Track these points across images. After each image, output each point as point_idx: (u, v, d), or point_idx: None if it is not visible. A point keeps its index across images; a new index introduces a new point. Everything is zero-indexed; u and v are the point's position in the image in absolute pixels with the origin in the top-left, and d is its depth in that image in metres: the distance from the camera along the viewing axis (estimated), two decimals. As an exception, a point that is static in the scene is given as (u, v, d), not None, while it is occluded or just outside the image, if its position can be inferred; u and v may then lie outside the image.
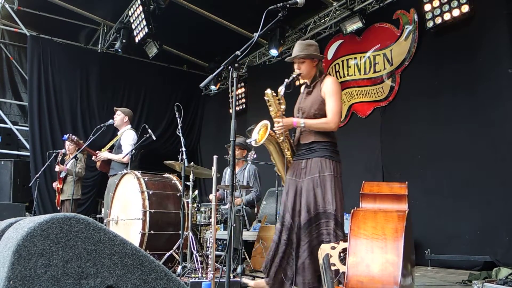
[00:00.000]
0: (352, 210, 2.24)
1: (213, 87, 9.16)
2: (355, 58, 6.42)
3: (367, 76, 6.21)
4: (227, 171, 5.42)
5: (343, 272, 2.03)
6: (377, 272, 1.93)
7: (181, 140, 4.00)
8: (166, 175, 4.71)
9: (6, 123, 8.18)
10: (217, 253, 5.14)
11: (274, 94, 3.12)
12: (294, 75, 3.17)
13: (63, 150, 6.09)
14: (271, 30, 6.61)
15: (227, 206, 5.06)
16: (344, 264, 2.04)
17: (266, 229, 4.98)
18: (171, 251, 4.09)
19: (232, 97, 2.50)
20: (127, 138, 5.14)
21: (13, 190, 7.29)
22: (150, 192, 4.24)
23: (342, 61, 6.60)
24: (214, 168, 3.19)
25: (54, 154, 6.09)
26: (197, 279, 3.36)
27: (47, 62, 7.94)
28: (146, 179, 4.33)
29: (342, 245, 2.25)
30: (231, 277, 2.87)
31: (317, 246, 2.82)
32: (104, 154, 5.23)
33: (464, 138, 4.88)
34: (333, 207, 2.92)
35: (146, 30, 6.92)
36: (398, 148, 5.66)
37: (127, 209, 4.37)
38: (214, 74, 2.68)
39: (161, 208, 4.27)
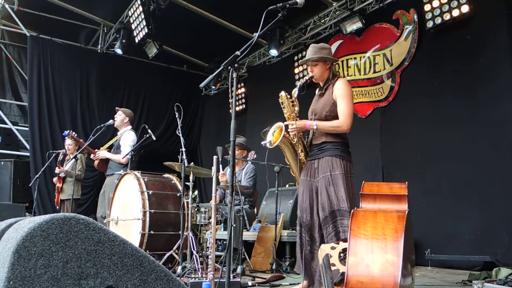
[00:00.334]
0: (352, 210, 2.24)
1: (213, 87, 9.16)
2: (355, 58, 6.43)
3: (367, 76, 6.21)
4: (227, 171, 5.42)
5: (343, 272, 2.03)
6: (377, 272, 1.93)
7: (181, 140, 4.01)
8: (166, 175, 4.71)
9: (6, 124, 8.18)
10: (217, 253, 5.14)
11: (288, 96, 3.19)
12: (307, 78, 3.25)
13: (63, 150, 6.09)
14: (271, 30, 6.61)
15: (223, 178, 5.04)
16: (344, 264, 2.04)
17: (266, 229, 4.98)
18: (171, 251, 4.09)
19: (232, 97, 2.50)
20: (127, 139, 5.14)
21: (13, 191, 7.28)
22: (150, 192, 4.24)
23: (342, 61, 6.60)
24: (214, 168, 3.20)
25: (54, 155, 6.10)
26: (197, 279, 3.36)
27: (47, 62, 7.93)
28: (146, 179, 4.33)
29: (342, 245, 2.26)
30: (231, 277, 2.87)
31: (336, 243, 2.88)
32: (102, 153, 5.24)
33: (464, 138, 4.87)
34: (347, 205, 2.98)
35: (146, 30, 6.91)
36: (398, 148, 5.66)
37: (127, 209, 4.37)
38: (214, 74, 2.69)
39: (161, 208, 4.27)
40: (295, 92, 3.18)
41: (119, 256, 1.42)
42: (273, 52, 7.12)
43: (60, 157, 5.96)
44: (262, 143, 3.26)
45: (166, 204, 4.35)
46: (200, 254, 3.91)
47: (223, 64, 2.54)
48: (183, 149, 3.93)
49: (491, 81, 4.70)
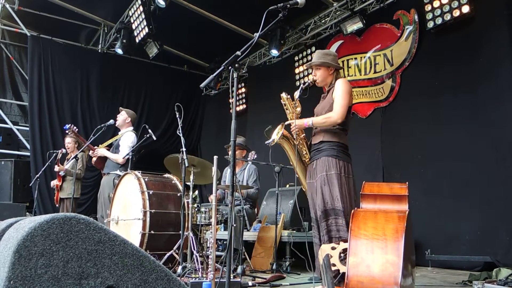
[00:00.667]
0: (352, 211, 2.24)
1: (213, 88, 9.15)
2: (356, 58, 6.43)
3: (368, 77, 6.21)
4: (227, 171, 5.43)
5: (344, 273, 2.03)
6: (377, 272, 1.93)
7: (182, 140, 4.00)
8: (166, 175, 4.72)
9: (6, 123, 8.18)
10: (218, 253, 5.14)
11: (289, 97, 3.33)
12: (309, 81, 3.37)
13: (62, 150, 6.09)
14: (271, 31, 6.61)
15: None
16: (345, 265, 2.04)
17: (266, 230, 4.98)
18: (172, 251, 4.08)
19: (232, 97, 2.50)
20: (127, 140, 5.14)
21: (13, 190, 7.29)
22: (151, 192, 4.24)
23: (343, 62, 6.59)
24: (214, 168, 3.20)
25: (54, 154, 6.10)
26: (197, 279, 3.36)
27: (47, 62, 7.94)
28: (146, 179, 4.33)
29: (343, 245, 2.26)
30: (231, 277, 2.87)
31: (328, 241, 3.03)
32: (101, 150, 5.23)
33: (464, 138, 4.87)
34: (342, 204, 3.03)
35: (147, 30, 6.92)
36: (398, 149, 5.66)
37: (127, 209, 4.37)
38: (214, 74, 2.68)
39: (161, 208, 4.27)
40: (296, 94, 3.29)
41: (119, 256, 1.42)
42: (274, 52, 7.13)
43: (59, 155, 5.95)
44: (266, 142, 3.38)
45: (166, 204, 4.35)
46: (201, 254, 3.91)
47: (223, 64, 2.54)
48: (184, 149, 3.93)
49: (492, 81, 4.70)
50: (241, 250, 4.28)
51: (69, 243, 1.34)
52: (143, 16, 6.89)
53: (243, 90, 8.74)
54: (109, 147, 5.34)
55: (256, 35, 2.57)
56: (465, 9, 4.91)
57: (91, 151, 5.31)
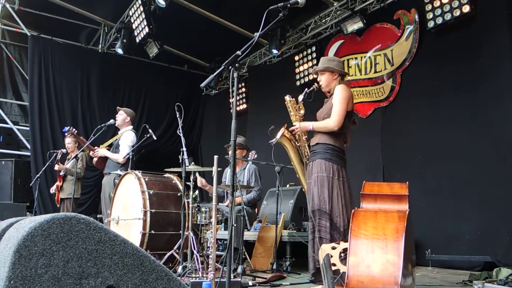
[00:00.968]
0: (352, 210, 2.24)
1: (213, 87, 9.15)
2: (356, 58, 6.42)
3: (368, 76, 6.21)
4: (228, 171, 5.42)
5: (344, 272, 2.03)
6: (377, 272, 1.93)
7: (182, 140, 4.01)
8: (166, 175, 4.72)
9: (6, 123, 8.18)
10: (218, 253, 5.14)
11: (293, 100, 3.44)
12: (314, 86, 3.45)
13: (62, 150, 6.09)
14: (271, 30, 6.61)
15: (226, 204, 5.09)
16: (345, 264, 2.04)
17: (267, 229, 4.98)
18: (172, 251, 4.09)
19: (233, 97, 2.50)
20: (126, 139, 5.15)
21: (13, 190, 7.29)
22: (151, 192, 4.24)
23: (343, 61, 6.56)
24: (214, 168, 3.20)
25: (54, 154, 6.10)
26: (197, 279, 3.36)
27: (47, 62, 7.94)
28: (146, 179, 4.33)
29: (343, 245, 2.26)
30: (232, 277, 2.87)
31: (313, 240, 3.17)
32: (102, 151, 5.25)
33: (464, 138, 4.87)
34: (329, 207, 3.10)
35: (147, 30, 6.92)
36: (398, 148, 5.66)
37: (127, 209, 4.37)
38: (214, 74, 2.69)
39: (161, 208, 4.27)
40: (300, 97, 3.40)
41: (120, 256, 1.42)
42: (274, 52, 7.12)
43: (59, 156, 5.95)
44: (270, 142, 3.51)
45: (167, 203, 4.35)
46: (201, 254, 3.91)
47: (224, 64, 2.54)
48: (184, 149, 3.93)
49: (492, 81, 4.70)
50: (242, 250, 4.28)
51: (69, 243, 1.34)
52: (144, 16, 6.89)
53: (244, 90, 8.74)
54: (109, 147, 5.35)
55: (257, 34, 2.57)
56: (466, 8, 4.90)
57: (91, 152, 5.32)
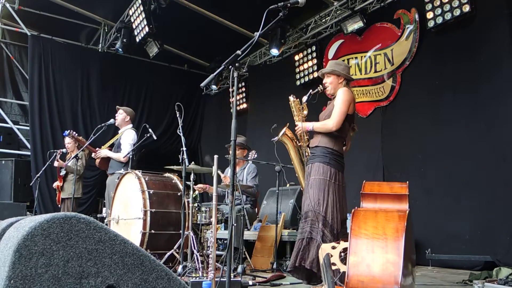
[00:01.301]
0: (352, 210, 2.24)
1: (214, 87, 9.15)
2: (356, 57, 6.42)
3: (368, 76, 6.21)
4: (228, 171, 5.42)
5: (344, 272, 2.03)
6: (377, 271, 1.93)
7: (182, 140, 4.00)
8: (166, 174, 4.72)
9: (7, 123, 8.18)
10: (218, 252, 5.14)
11: (297, 100, 3.49)
12: (318, 88, 3.49)
13: (63, 150, 6.09)
14: (271, 30, 6.61)
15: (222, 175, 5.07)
16: (345, 264, 2.04)
17: (267, 229, 4.98)
18: (172, 250, 4.09)
19: (233, 96, 2.50)
20: (127, 137, 5.16)
21: (14, 190, 7.29)
22: (151, 192, 4.24)
23: (343, 61, 6.59)
24: (214, 167, 3.20)
25: (54, 154, 6.10)
26: (197, 278, 3.36)
27: (48, 61, 7.94)
28: (146, 179, 4.33)
29: (343, 244, 2.26)
30: (232, 276, 2.87)
31: (304, 240, 3.18)
32: (103, 151, 5.27)
33: (464, 138, 4.87)
34: (322, 209, 3.17)
35: (147, 29, 6.91)
36: (398, 148, 5.66)
37: (127, 209, 4.37)
38: (215, 73, 2.69)
39: (161, 208, 4.27)
40: (304, 98, 3.44)
41: (120, 255, 1.42)
42: (274, 52, 7.11)
43: (58, 155, 5.94)
44: (272, 139, 3.59)
45: (167, 203, 4.35)
46: (201, 253, 3.91)
47: (224, 63, 2.54)
48: (184, 149, 3.93)
49: (492, 81, 4.69)
50: (242, 249, 4.28)
51: (69, 243, 1.34)
52: (144, 16, 6.89)
53: (244, 89, 8.74)
54: (111, 147, 5.36)
55: (257, 34, 2.57)
56: (466, 8, 4.90)
57: (93, 154, 5.34)
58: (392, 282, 1.87)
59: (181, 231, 3.87)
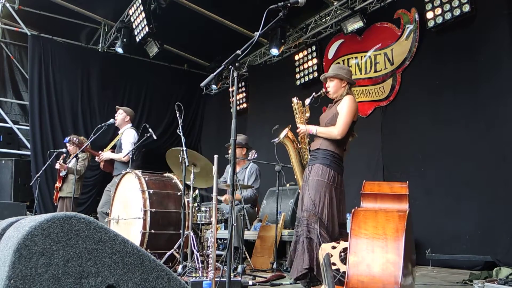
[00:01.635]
0: (352, 210, 2.24)
1: (214, 87, 9.15)
2: (356, 57, 6.42)
3: (368, 76, 6.21)
4: (229, 170, 5.42)
5: (344, 272, 2.03)
6: (377, 271, 1.93)
7: (182, 139, 4.00)
8: (166, 174, 4.72)
9: (7, 122, 8.18)
10: (218, 252, 5.14)
11: (300, 102, 3.50)
12: (321, 91, 3.50)
13: (64, 150, 6.08)
14: (271, 30, 6.61)
15: (223, 198, 5.09)
16: (345, 264, 2.04)
17: (267, 229, 4.98)
18: (172, 250, 4.09)
19: (233, 96, 2.50)
20: (128, 137, 5.17)
21: (14, 189, 7.29)
22: (151, 191, 4.24)
23: (343, 61, 6.59)
24: (214, 167, 3.20)
25: (55, 154, 6.09)
26: (197, 278, 3.36)
27: (48, 61, 7.93)
28: (146, 178, 4.33)
29: (343, 244, 2.26)
30: (232, 276, 2.87)
31: (304, 240, 3.16)
32: (106, 154, 5.28)
33: (464, 137, 4.87)
34: (319, 210, 3.16)
35: (147, 29, 6.91)
36: (399, 148, 5.66)
37: (127, 209, 4.38)
38: (215, 73, 2.69)
39: (161, 208, 4.27)
40: (307, 101, 3.44)
41: (120, 255, 1.42)
42: (274, 52, 7.11)
43: (61, 160, 5.93)
44: (272, 141, 3.58)
45: (167, 203, 4.35)
46: (201, 253, 3.91)
47: (224, 63, 2.54)
48: (184, 148, 3.93)
49: (492, 81, 4.69)
50: (242, 249, 4.28)
51: (69, 242, 1.34)
52: (144, 15, 6.89)
53: (244, 89, 8.74)
54: (113, 149, 5.37)
55: (257, 34, 2.57)
56: (466, 8, 4.90)
57: (96, 157, 5.36)
58: (392, 282, 1.87)
59: (181, 231, 3.87)
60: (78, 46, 8.54)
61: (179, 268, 3.70)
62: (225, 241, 5.45)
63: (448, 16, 5.08)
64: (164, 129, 8.98)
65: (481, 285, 3.34)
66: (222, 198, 5.17)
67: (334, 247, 2.31)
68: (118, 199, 4.56)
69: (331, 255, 2.25)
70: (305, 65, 7.11)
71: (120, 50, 7.84)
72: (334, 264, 2.23)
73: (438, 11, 5.16)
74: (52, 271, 1.29)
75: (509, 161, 4.40)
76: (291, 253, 3.36)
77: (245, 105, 8.68)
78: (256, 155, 5.25)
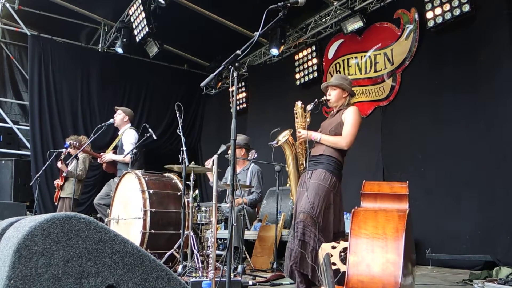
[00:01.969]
0: (352, 210, 2.24)
1: (213, 87, 9.15)
2: (356, 57, 6.42)
3: (368, 76, 6.21)
4: (229, 170, 5.42)
5: (344, 272, 2.03)
6: (377, 271, 1.93)
7: (182, 140, 4.01)
8: (166, 174, 4.72)
9: (7, 122, 8.18)
10: (218, 252, 5.14)
11: (303, 107, 3.48)
12: (323, 98, 3.51)
13: (64, 150, 6.07)
14: (271, 30, 6.60)
15: (227, 205, 5.09)
16: (345, 264, 2.04)
17: (267, 229, 4.98)
18: (172, 250, 4.09)
19: (233, 96, 2.50)
20: (128, 137, 5.17)
21: (14, 190, 7.29)
22: (151, 191, 4.25)
23: (343, 61, 6.59)
24: (214, 167, 3.20)
25: (55, 154, 6.09)
26: (197, 278, 3.36)
27: (47, 61, 7.93)
28: (146, 178, 4.33)
29: (343, 244, 2.26)
30: (232, 276, 2.87)
31: (299, 241, 3.13)
32: (108, 156, 5.30)
33: (464, 137, 4.87)
34: (316, 212, 3.13)
35: (147, 29, 6.91)
36: (398, 148, 5.66)
37: (127, 209, 4.38)
38: (214, 73, 2.69)
39: (161, 208, 4.27)
40: (309, 107, 3.45)
41: (120, 255, 1.42)
42: (274, 52, 7.11)
43: (62, 158, 5.93)
44: (269, 143, 3.52)
45: (167, 203, 4.35)
46: (201, 253, 3.91)
47: (224, 63, 2.54)
48: (184, 148, 3.93)
49: (492, 81, 4.69)
50: (242, 249, 4.28)
51: (69, 242, 1.34)
52: (143, 15, 6.89)
53: (244, 89, 8.74)
54: (114, 149, 5.38)
55: (256, 34, 2.57)
56: (466, 8, 4.90)
57: (98, 159, 5.37)
58: (392, 282, 1.87)
59: (181, 231, 3.87)
60: (78, 46, 8.54)
61: (179, 268, 3.70)
62: (225, 241, 5.45)
63: (448, 16, 5.08)
64: (164, 129, 8.97)
65: (481, 285, 3.34)
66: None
67: (334, 247, 2.31)
68: (118, 199, 4.56)
69: (331, 255, 2.25)
70: (305, 65, 7.11)
71: (120, 50, 7.83)
72: (334, 264, 2.23)
73: (438, 11, 5.16)
74: (52, 271, 1.30)
75: (509, 161, 4.40)
76: (286, 261, 3.30)
77: (245, 105, 8.67)
78: (256, 155, 5.25)
